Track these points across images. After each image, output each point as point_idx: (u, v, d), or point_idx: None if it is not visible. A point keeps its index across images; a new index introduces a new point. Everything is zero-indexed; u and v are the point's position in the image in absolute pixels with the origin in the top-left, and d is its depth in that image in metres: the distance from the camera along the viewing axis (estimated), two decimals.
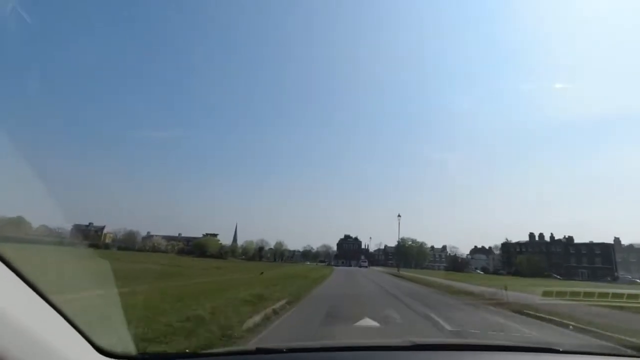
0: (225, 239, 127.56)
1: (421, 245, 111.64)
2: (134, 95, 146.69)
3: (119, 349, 1.44)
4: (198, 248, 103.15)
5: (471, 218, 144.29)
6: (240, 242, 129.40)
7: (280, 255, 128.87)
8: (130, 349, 1.72)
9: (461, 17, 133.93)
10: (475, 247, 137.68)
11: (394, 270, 59.95)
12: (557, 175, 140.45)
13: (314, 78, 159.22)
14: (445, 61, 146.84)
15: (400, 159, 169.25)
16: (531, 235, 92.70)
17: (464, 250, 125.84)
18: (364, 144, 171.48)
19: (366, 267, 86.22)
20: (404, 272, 49.07)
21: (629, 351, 1.86)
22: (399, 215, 44.80)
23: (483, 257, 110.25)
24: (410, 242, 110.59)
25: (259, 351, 1.67)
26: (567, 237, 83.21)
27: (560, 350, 1.66)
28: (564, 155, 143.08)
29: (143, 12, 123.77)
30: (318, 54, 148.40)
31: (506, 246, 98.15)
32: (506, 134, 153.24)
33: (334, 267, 72.15)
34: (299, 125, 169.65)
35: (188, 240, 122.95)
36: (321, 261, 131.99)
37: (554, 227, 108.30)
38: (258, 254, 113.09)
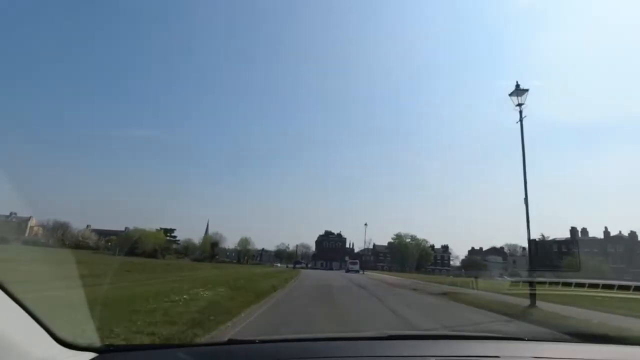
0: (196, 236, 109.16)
1: (421, 244, 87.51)
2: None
3: (82, 341, 1.39)
4: (126, 244, 77.34)
5: (464, 217, 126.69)
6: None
7: (245, 254, 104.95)
8: (94, 341, 1.64)
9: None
10: (473, 248, 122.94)
11: (426, 282, 29.30)
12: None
13: (304, 77, 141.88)
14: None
15: (389, 159, 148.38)
16: (573, 230, 68.39)
17: (458, 252, 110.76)
18: (353, 140, 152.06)
19: (357, 271, 54.51)
20: (425, 282, 24.81)
21: (590, 338, 1.94)
22: None
23: (499, 259, 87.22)
24: (408, 239, 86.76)
25: (231, 342, 1.63)
26: (629, 232, 60.30)
27: (526, 338, 1.75)
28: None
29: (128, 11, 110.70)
30: (309, 53, 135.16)
31: (541, 245, 72.39)
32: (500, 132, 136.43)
33: (302, 271, 47.30)
34: (283, 124, 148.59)
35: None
36: (297, 262, 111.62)
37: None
38: (211, 252, 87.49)
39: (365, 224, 54.97)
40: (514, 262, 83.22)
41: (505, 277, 64.52)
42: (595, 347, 1.75)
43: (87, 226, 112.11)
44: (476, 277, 27.70)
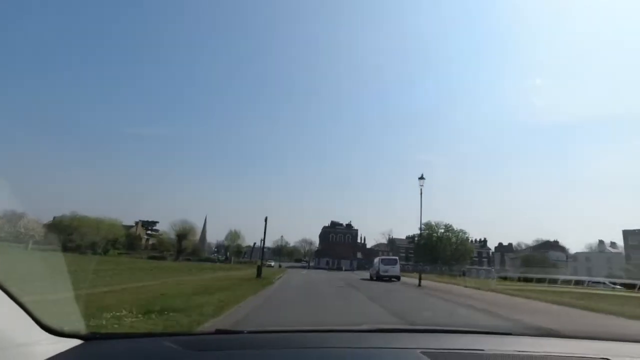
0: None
1: (458, 236, 65.94)
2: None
3: (67, 328, 1.39)
4: (65, 234, 58.16)
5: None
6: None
7: (233, 250, 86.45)
8: (80, 328, 1.68)
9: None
10: (501, 244, 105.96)
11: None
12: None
13: (301, 72, 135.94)
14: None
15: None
16: None
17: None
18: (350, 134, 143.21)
19: (397, 277, 29.45)
20: None
21: (575, 335, 1.94)
22: None
23: (561, 256, 65.76)
24: (442, 230, 65.43)
25: (219, 332, 1.67)
26: None
27: (511, 333, 1.80)
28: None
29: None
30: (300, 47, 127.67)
31: None
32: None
33: (289, 276, 26.68)
34: (283, 112, 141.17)
35: None
36: (297, 260, 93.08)
37: None
38: (178, 246, 67.81)
39: (422, 180, 23.53)
40: (587, 259, 62.03)
41: (607, 282, 42.82)
42: (581, 342, 1.74)
43: (54, 218, 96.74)
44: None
